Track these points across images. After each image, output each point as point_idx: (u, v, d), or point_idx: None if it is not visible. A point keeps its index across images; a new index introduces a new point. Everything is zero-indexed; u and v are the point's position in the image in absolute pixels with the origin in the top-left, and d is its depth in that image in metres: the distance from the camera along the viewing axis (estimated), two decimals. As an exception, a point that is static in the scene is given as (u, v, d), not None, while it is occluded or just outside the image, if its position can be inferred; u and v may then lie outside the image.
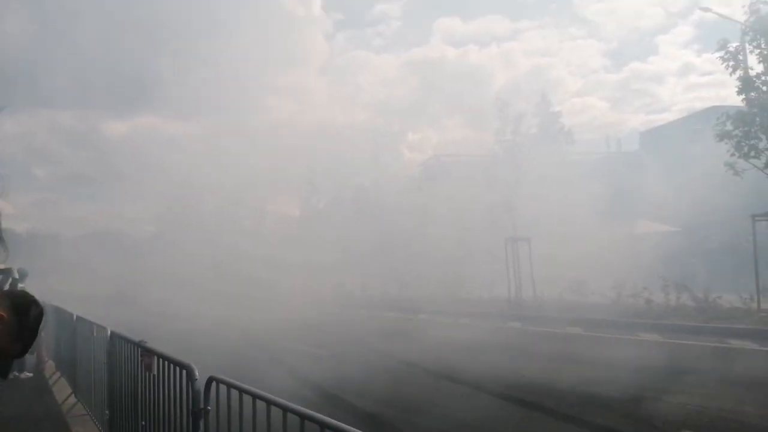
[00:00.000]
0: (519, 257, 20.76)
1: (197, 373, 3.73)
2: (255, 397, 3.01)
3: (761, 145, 14.50)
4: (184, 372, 3.86)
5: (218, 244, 41.18)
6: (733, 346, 11.62)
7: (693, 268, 22.63)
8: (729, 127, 15.04)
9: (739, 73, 15.27)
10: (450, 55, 78.86)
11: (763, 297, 14.06)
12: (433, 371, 10.44)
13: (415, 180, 39.65)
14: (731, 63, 15.21)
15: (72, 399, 8.41)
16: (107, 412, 6.18)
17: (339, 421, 2.35)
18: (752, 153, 14.65)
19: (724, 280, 20.98)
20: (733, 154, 14.93)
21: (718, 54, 15.30)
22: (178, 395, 3.96)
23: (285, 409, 2.69)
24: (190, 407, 3.69)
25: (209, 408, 3.55)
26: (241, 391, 3.15)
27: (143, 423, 4.81)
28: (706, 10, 20.99)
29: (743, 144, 14.73)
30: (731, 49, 15.18)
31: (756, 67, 15.00)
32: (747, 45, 15.15)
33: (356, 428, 2.23)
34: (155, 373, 4.50)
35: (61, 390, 9.30)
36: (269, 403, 2.84)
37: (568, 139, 38.43)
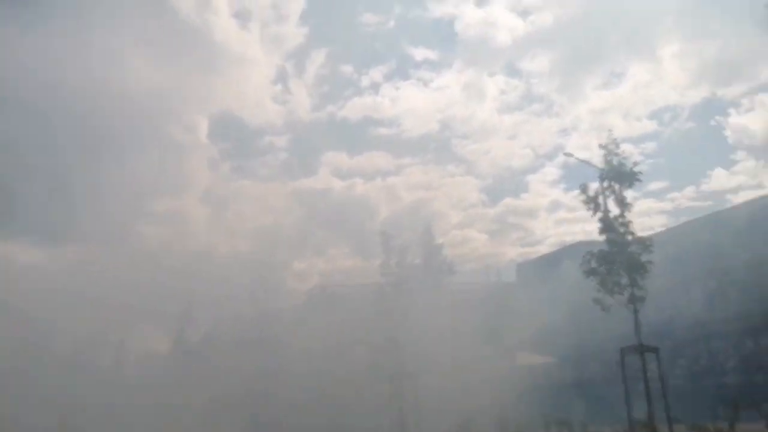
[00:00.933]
0: (404, 395, 20.05)
1: None
2: None
3: (623, 281, 15.38)
4: None
5: (71, 390, 36.21)
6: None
7: (570, 399, 22.98)
8: (594, 264, 15.92)
9: (599, 214, 16.46)
10: (337, 187, 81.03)
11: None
12: None
13: (299, 310, 38.50)
14: (592, 205, 16.41)
15: None
16: None
17: None
18: (616, 289, 15.48)
19: (602, 410, 21.41)
20: (599, 290, 15.69)
21: (580, 197, 16.52)
22: None
23: None
24: None
25: None
26: None
27: None
28: (569, 155, 23.14)
29: (607, 281, 15.57)
30: (591, 193, 16.45)
31: (614, 209, 16.25)
32: (605, 191, 16.48)
33: None
34: None
35: None
36: None
37: (450, 269, 39.68)
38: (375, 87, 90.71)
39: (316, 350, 27.43)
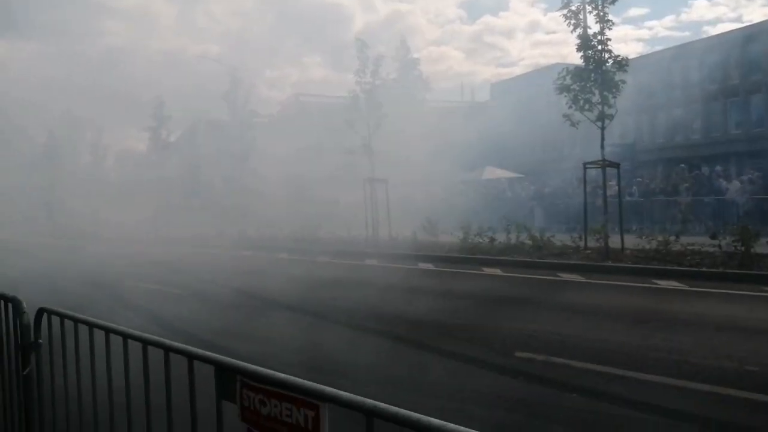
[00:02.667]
0: (377, 198, 21.20)
1: (25, 306, 3.38)
2: (92, 326, 2.78)
3: (594, 99, 15.81)
4: (10, 305, 3.48)
5: (51, 180, 37.50)
6: (562, 278, 12.92)
7: (533, 211, 24.63)
8: (568, 81, 16.18)
9: (578, 31, 16.37)
10: (308, -9, 76.20)
11: (589, 237, 15.67)
12: (283, 304, 10.50)
13: (274, 118, 38.63)
14: (572, 21, 16.23)
15: None
16: None
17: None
18: (587, 106, 15.95)
19: (559, 221, 23.25)
20: (570, 107, 16.15)
21: (561, 12, 16.25)
22: (4, 331, 3.58)
23: (125, 336, 2.51)
24: (19, 342, 3.35)
25: (41, 341, 3.24)
26: (76, 321, 2.90)
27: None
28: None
29: (579, 98, 15.97)
30: (573, 8, 16.17)
31: (594, 26, 16.16)
32: (587, 5, 16.22)
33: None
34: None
35: None
36: (108, 331, 2.64)
37: (425, 86, 39.52)
38: None
39: (291, 155, 28.19)
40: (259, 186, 27.59)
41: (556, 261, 14.82)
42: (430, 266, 15.86)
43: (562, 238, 16.75)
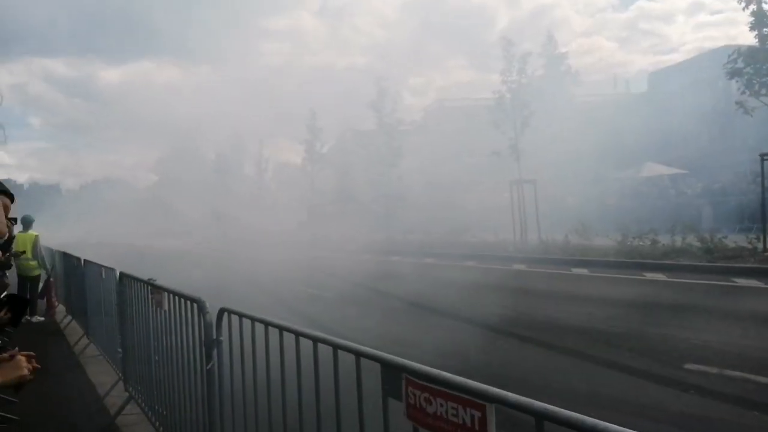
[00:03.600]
0: (524, 200, 20.66)
1: (208, 306, 3.76)
2: (267, 324, 3.02)
3: (773, 82, 14.19)
4: (195, 306, 3.88)
5: (219, 190, 41.41)
6: (737, 284, 11.68)
7: (700, 210, 22.53)
8: (740, 64, 14.70)
9: (752, 7, 14.79)
10: (452, -5, 76.45)
11: (768, 237, 14.01)
12: (435, 309, 10.58)
13: (418, 124, 39.25)
14: (745, -3, 14.70)
15: (84, 340, 8.57)
16: (120, 350, 6.28)
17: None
18: (763, 90, 14.34)
19: (732, 221, 20.99)
20: (743, 92, 14.62)
21: (732, -13, 14.76)
22: (189, 329, 4.00)
23: (298, 334, 2.70)
24: (203, 339, 3.73)
25: (221, 339, 3.59)
26: (253, 320, 3.17)
27: (156, 358, 4.88)
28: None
29: (754, 81, 14.41)
30: (745, -19, 14.64)
31: (771, 0, 14.51)
32: (761, -23, 14.61)
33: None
34: (166, 309, 4.53)
35: (73, 333, 9.47)
36: (282, 329, 2.85)
37: (575, 80, 37.92)
38: None
39: (436, 160, 28.45)
40: (405, 191, 28.18)
41: (729, 264, 13.42)
42: (584, 271, 15.13)
43: (735, 239, 15.15)
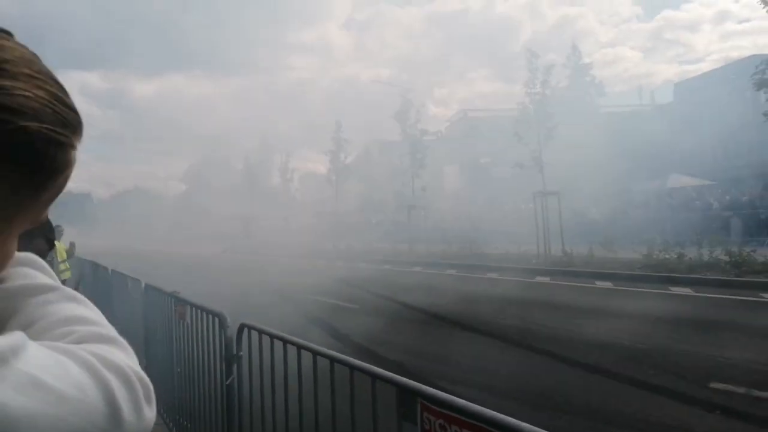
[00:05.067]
0: (548, 212, 20.51)
1: (229, 321, 3.82)
2: (285, 341, 3.06)
3: (804, 93, 13.91)
4: (217, 320, 3.95)
5: (246, 198, 41.97)
6: (766, 299, 11.42)
7: (728, 222, 22.11)
8: (769, 74, 14.42)
9: (783, 16, 14.52)
10: (475, 7, 76.61)
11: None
12: (459, 323, 10.54)
13: (442, 135, 39.21)
14: (775, 6, 14.43)
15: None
16: (144, 360, 6.38)
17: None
18: (794, 102, 14.06)
19: (761, 234, 20.55)
20: (773, 104, 14.34)
21: (760, -5, 14.51)
22: (211, 342, 4.07)
23: (315, 353, 2.73)
24: (223, 353, 3.78)
25: (242, 354, 3.64)
26: (272, 336, 3.21)
27: (179, 370, 4.96)
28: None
29: (784, 92, 14.14)
30: (775, -11, 14.39)
31: (802, 8, 14.22)
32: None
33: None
34: (188, 321, 4.61)
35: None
36: (300, 347, 2.89)
37: (599, 91, 37.61)
38: None
39: (460, 171, 28.41)
40: (428, 202, 28.18)
41: (759, 279, 13.14)
42: (608, 284, 14.94)
43: (765, 253, 14.83)
